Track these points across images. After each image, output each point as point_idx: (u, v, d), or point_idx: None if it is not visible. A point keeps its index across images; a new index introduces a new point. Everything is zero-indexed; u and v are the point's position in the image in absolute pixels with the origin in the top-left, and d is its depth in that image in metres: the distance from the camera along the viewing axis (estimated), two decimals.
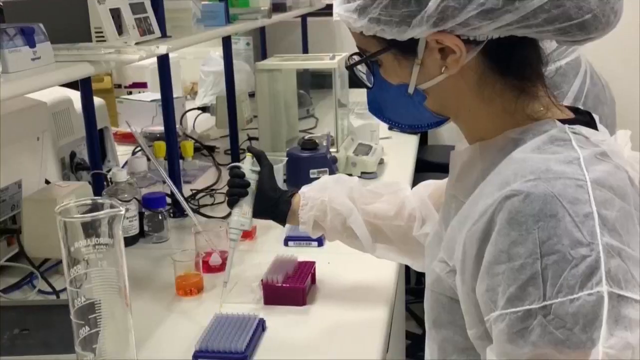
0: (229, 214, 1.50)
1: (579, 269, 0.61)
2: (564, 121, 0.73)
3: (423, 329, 2.49)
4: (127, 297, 0.72)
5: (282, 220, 1.12)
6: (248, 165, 1.12)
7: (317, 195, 1.09)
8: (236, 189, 1.11)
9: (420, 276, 2.75)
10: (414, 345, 2.29)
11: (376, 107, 0.84)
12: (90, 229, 0.67)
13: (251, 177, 1.11)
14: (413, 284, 2.77)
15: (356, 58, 0.80)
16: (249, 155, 1.13)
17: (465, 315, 0.72)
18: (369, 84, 0.81)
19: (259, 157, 1.13)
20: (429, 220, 1.05)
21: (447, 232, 0.77)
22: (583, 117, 0.76)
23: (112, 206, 0.67)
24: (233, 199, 1.12)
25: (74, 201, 0.68)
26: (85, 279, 0.70)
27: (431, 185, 1.09)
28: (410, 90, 0.77)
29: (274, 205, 1.10)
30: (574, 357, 0.61)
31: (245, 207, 1.11)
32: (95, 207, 0.68)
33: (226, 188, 1.14)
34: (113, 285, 0.71)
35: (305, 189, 1.11)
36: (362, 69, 0.82)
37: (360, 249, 1.11)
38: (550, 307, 0.62)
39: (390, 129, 2.24)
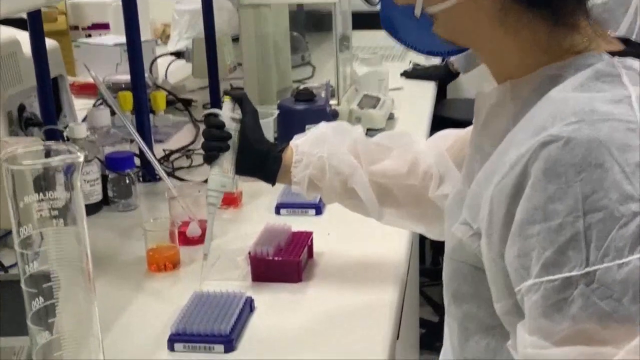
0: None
1: (629, 229, 0.61)
2: (612, 54, 0.73)
3: (440, 316, 2.54)
4: (88, 260, 0.71)
5: (271, 179, 1.10)
6: (228, 112, 1.09)
7: (313, 149, 1.08)
8: (214, 142, 1.08)
9: (438, 255, 2.76)
10: (430, 335, 2.31)
11: (389, 25, 0.84)
12: (42, 180, 0.66)
13: (232, 127, 1.08)
14: (428, 264, 2.78)
15: None
16: (227, 100, 1.10)
17: (491, 287, 0.73)
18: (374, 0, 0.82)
19: (241, 101, 1.09)
20: (448, 179, 1.04)
21: (471, 188, 0.77)
22: (636, 50, 0.75)
23: (69, 152, 0.66)
24: (211, 155, 1.09)
25: (23, 146, 0.67)
26: (40, 243, 0.69)
27: (450, 136, 1.08)
28: (417, 12, 0.77)
29: (261, 160, 1.09)
30: (622, 333, 0.61)
31: (226, 164, 1.09)
32: (49, 155, 0.68)
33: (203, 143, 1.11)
34: (72, 250, 0.71)
35: (299, 141, 1.10)
36: None
37: (364, 214, 1.11)
38: (594, 273, 0.62)
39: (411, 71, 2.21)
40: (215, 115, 1.09)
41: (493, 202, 0.69)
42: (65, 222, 0.69)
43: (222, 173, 1.09)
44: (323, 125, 1.12)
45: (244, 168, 1.10)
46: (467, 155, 0.86)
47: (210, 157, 1.09)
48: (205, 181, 1.46)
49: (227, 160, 1.09)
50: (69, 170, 0.67)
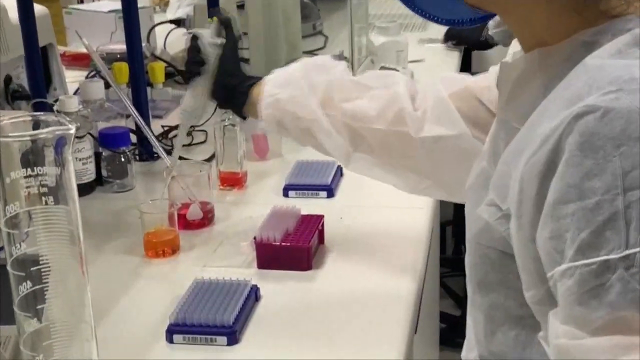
0: (212, 156, 1.52)
1: None
2: None
3: (462, 309, 2.54)
4: (80, 243, 0.72)
5: (239, 113, 1.17)
6: (208, 37, 1.15)
7: (275, 90, 1.12)
8: (191, 66, 1.16)
9: (460, 244, 2.76)
10: (451, 330, 2.31)
11: None
12: (31, 155, 0.66)
13: (209, 53, 1.15)
14: (450, 253, 2.79)
15: None
16: (210, 22, 1.16)
17: (521, 273, 0.72)
18: None
19: (226, 24, 1.15)
20: (444, 123, 1.05)
21: (498, 167, 0.77)
22: None
23: (59, 123, 0.66)
24: (189, 77, 1.17)
25: (9, 117, 0.67)
26: (29, 223, 0.70)
27: (457, 82, 1.08)
28: None
29: (230, 94, 1.15)
30: None
31: (199, 88, 1.16)
32: (37, 126, 0.68)
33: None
34: (63, 231, 0.71)
35: (269, 78, 1.14)
36: None
37: (333, 156, 1.15)
38: (633, 256, 0.61)
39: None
40: (197, 39, 1.15)
41: (523, 180, 0.69)
42: (55, 201, 0.69)
43: (193, 95, 1.17)
44: (297, 64, 1.15)
45: (215, 97, 1.17)
46: (490, 131, 0.86)
47: (188, 78, 1.18)
48: (207, 160, 1.50)
49: (202, 84, 1.16)
50: (60, 143, 0.67)
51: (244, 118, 1.17)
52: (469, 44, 2.40)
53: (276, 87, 1.11)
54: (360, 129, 1.09)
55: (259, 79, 1.14)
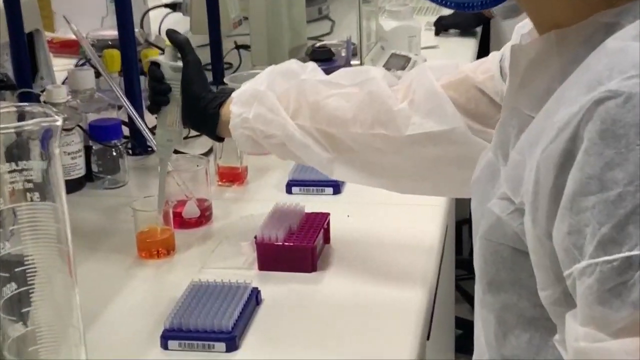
0: (210, 150, 1.53)
1: None
2: None
3: None
4: (68, 242, 0.72)
5: (213, 137, 1.18)
6: (168, 62, 1.17)
7: (240, 109, 1.13)
8: (155, 96, 1.18)
9: None
10: (468, 336, 2.30)
11: None
12: (15, 148, 0.67)
13: (173, 78, 1.17)
14: (466, 255, 2.79)
15: None
16: (168, 46, 1.18)
17: (536, 272, 0.73)
18: None
19: (181, 47, 1.16)
20: (436, 116, 1.05)
21: (510, 158, 0.77)
22: None
23: (45, 114, 0.67)
24: (153, 108, 1.20)
25: None
26: (13, 221, 0.70)
27: (449, 70, 1.09)
28: None
29: (201, 117, 1.16)
30: None
31: (170, 117, 1.19)
32: (22, 118, 0.69)
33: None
34: (50, 229, 0.72)
35: (236, 94, 1.15)
36: None
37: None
38: None
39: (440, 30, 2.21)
40: (157, 65, 1.17)
41: (539, 171, 0.69)
42: (41, 197, 0.70)
43: (166, 126, 1.19)
44: (262, 75, 1.16)
45: (190, 124, 1.20)
46: (499, 120, 0.86)
47: (153, 110, 1.20)
48: (205, 154, 1.51)
49: (172, 113, 1.19)
50: (46, 136, 0.68)
51: (220, 140, 1.19)
52: (464, 27, 2.40)
53: (242, 106, 1.13)
54: (337, 134, 1.10)
55: (228, 95, 1.15)
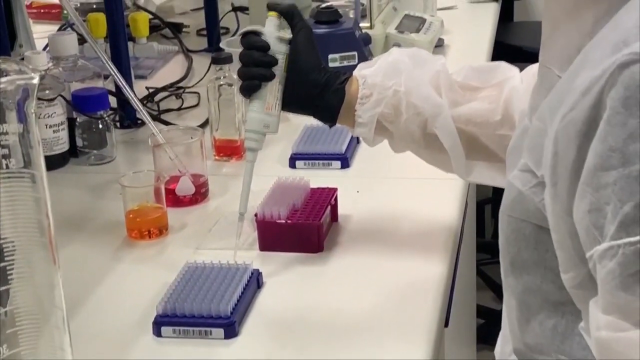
0: (206, 121, 1.52)
1: None
2: None
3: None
4: (48, 213, 0.72)
5: (329, 118, 1.10)
6: (273, 31, 1.09)
7: (386, 81, 1.07)
8: (256, 69, 1.07)
9: None
10: (491, 325, 2.31)
11: None
12: None
13: (279, 50, 1.08)
14: (489, 237, 2.79)
15: None
16: (272, 15, 1.09)
17: (557, 252, 0.73)
18: None
19: (291, 15, 1.09)
20: None
21: (532, 124, 0.77)
22: None
23: (20, 72, 0.66)
24: (251, 85, 1.09)
25: None
26: None
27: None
28: None
29: (318, 94, 1.08)
30: None
31: (270, 97, 1.09)
32: None
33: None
34: (27, 199, 0.71)
35: (366, 71, 1.09)
36: None
37: (444, 168, 1.11)
38: None
39: None
40: (257, 34, 1.09)
41: (558, 141, 0.69)
42: (17, 164, 0.70)
43: (264, 109, 1.09)
44: (396, 52, 1.11)
45: (294, 103, 1.10)
46: (535, 82, 0.86)
47: (250, 89, 1.09)
48: (202, 126, 1.51)
49: (272, 92, 1.09)
50: (22, 96, 0.67)
51: (332, 125, 1.11)
52: None
53: (387, 79, 1.07)
54: (476, 134, 1.06)
55: (350, 74, 1.09)
